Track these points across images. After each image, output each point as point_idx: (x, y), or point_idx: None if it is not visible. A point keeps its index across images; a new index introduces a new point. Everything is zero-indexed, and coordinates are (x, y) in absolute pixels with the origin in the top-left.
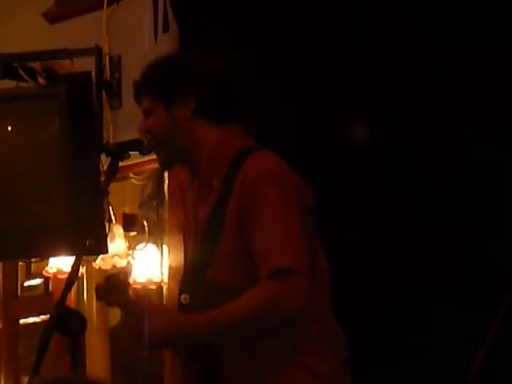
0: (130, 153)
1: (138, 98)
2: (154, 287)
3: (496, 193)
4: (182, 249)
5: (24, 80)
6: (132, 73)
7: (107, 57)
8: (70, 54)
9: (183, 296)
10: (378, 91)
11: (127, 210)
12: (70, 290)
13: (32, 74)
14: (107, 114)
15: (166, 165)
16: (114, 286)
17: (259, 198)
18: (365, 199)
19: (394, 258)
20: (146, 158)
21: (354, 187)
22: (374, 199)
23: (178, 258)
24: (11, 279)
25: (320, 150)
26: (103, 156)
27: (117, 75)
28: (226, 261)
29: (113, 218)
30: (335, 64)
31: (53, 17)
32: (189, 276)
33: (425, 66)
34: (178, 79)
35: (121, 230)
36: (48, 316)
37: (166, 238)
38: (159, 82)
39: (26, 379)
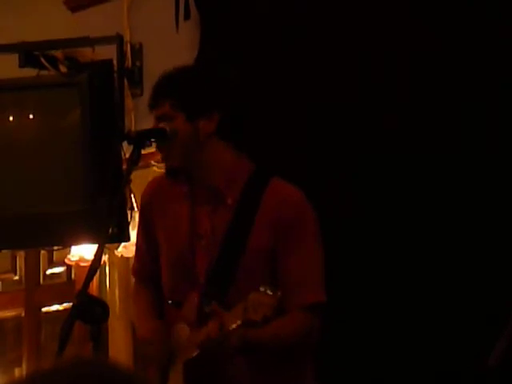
0: (152, 140)
1: (155, 101)
2: None
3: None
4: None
5: (45, 68)
6: (153, 60)
7: (128, 45)
8: (91, 42)
9: (208, 309)
10: (379, 91)
11: None
12: (92, 278)
13: (54, 62)
14: (129, 101)
15: (173, 173)
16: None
17: (301, 226)
18: (365, 199)
19: (395, 258)
20: None
21: (354, 187)
22: (375, 199)
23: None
24: (34, 267)
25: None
26: (125, 144)
27: (138, 63)
28: (249, 276)
29: (135, 205)
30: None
31: (74, 5)
32: (210, 289)
33: (425, 66)
34: (206, 92)
35: None
36: (70, 304)
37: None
38: (186, 91)
39: None
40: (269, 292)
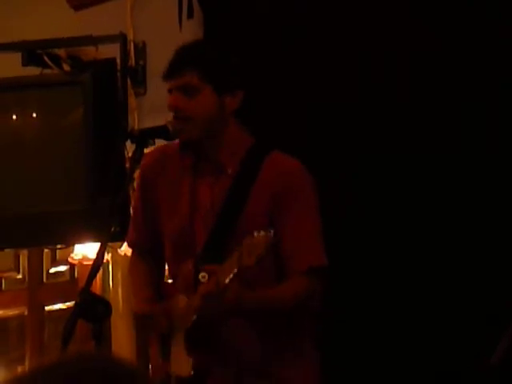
0: (155, 139)
1: (179, 69)
2: None
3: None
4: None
5: (49, 67)
6: (157, 59)
7: (132, 43)
8: (94, 40)
9: (202, 274)
10: (379, 91)
11: None
12: (95, 276)
13: (57, 60)
14: (132, 100)
15: (190, 143)
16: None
17: (298, 194)
18: (365, 199)
19: (395, 258)
20: None
21: (354, 187)
22: (375, 199)
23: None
24: (37, 266)
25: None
26: (128, 142)
27: (141, 62)
28: None
29: None
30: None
31: (77, 3)
32: (207, 257)
33: (425, 66)
34: (235, 68)
35: None
36: (73, 303)
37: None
38: (217, 64)
39: None
40: (262, 233)
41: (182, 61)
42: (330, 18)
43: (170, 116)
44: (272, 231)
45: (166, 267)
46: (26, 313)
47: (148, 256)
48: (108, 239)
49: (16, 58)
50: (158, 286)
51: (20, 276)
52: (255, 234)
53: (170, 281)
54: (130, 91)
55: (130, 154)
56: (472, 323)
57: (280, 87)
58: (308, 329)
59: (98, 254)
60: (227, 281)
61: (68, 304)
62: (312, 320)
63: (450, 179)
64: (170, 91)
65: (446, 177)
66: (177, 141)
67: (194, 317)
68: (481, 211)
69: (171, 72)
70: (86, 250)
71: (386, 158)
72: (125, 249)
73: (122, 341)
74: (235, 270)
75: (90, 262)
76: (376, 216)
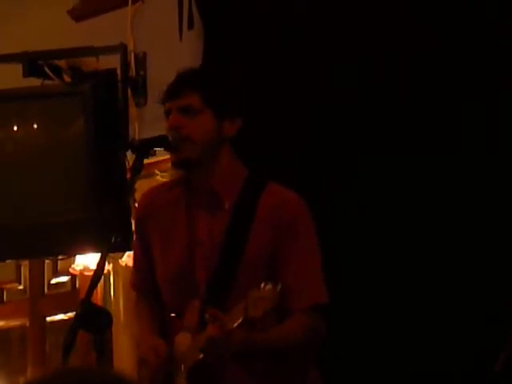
0: (156, 150)
1: (182, 90)
2: None
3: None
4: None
5: (49, 78)
6: (157, 70)
7: (132, 54)
8: (95, 51)
9: (207, 316)
10: (379, 91)
11: None
12: (95, 286)
13: (57, 71)
14: (132, 111)
15: (185, 165)
16: None
17: (299, 228)
18: (365, 199)
19: (395, 258)
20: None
21: (354, 187)
22: (375, 199)
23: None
24: (38, 277)
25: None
26: (129, 153)
27: (142, 72)
28: (250, 281)
29: None
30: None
31: (78, 14)
32: (211, 296)
33: (425, 66)
34: (236, 95)
35: None
36: (74, 313)
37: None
38: (220, 89)
39: None
40: (268, 286)
41: (185, 83)
42: (330, 17)
43: None
44: (280, 285)
45: None
46: (27, 324)
47: (151, 298)
48: (109, 250)
49: (17, 69)
50: (162, 324)
51: (21, 287)
52: (262, 285)
53: (172, 315)
54: (131, 101)
55: (130, 165)
56: (472, 323)
57: (280, 87)
58: (310, 362)
59: (98, 265)
60: (233, 326)
61: (69, 315)
62: (314, 356)
63: (450, 179)
64: (167, 112)
65: (446, 177)
66: (167, 180)
67: (200, 355)
68: (481, 211)
69: (172, 93)
70: (87, 261)
71: (385, 158)
72: (126, 259)
73: (124, 351)
74: (240, 320)
75: (91, 273)
76: (376, 216)
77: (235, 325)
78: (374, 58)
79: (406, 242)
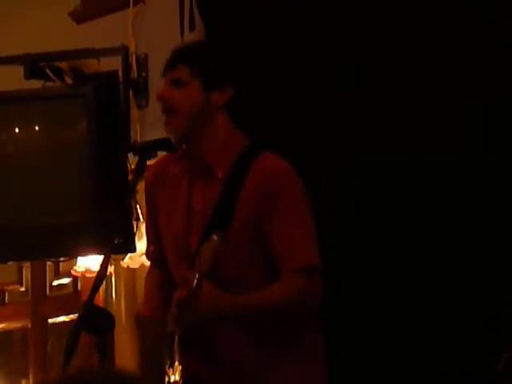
0: (158, 152)
1: (174, 64)
2: None
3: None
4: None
5: (51, 80)
6: (159, 71)
7: (134, 56)
8: (96, 53)
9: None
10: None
11: None
12: (98, 288)
13: (59, 73)
14: (134, 113)
15: (180, 138)
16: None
17: (284, 195)
18: (365, 199)
19: (395, 258)
20: None
21: (354, 187)
22: (375, 199)
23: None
24: (40, 279)
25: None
26: (131, 155)
27: (143, 74)
28: (236, 249)
29: (140, 216)
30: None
31: (79, 16)
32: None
33: (425, 66)
34: (225, 65)
35: None
36: (76, 315)
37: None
38: (207, 61)
39: None
40: (212, 237)
41: (177, 55)
42: (330, 17)
43: None
44: (215, 235)
45: None
46: (29, 325)
47: (164, 268)
48: (111, 251)
49: (18, 71)
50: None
51: (23, 289)
52: (208, 238)
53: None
54: (133, 103)
55: (132, 167)
56: (473, 324)
57: (280, 87)
58: (306, 326)
59: (101, 267)
60: (193, 285)
61: (71, 316)
62: (311, 317)
63: (450, 179)
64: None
65: (446, 177)
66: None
67: (172, 323)
68: (481, 211)
69: (167, 65)
70: (88, 263)
71: (385, 158)
72: (127, 261)
73: (125, 353)
74: (197, 276)
75: (93, 275)
76: (376, 216)
77: (194, 282)
78: (374, 58)
79: (407, 241)
